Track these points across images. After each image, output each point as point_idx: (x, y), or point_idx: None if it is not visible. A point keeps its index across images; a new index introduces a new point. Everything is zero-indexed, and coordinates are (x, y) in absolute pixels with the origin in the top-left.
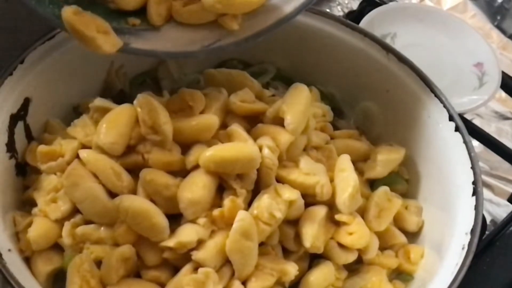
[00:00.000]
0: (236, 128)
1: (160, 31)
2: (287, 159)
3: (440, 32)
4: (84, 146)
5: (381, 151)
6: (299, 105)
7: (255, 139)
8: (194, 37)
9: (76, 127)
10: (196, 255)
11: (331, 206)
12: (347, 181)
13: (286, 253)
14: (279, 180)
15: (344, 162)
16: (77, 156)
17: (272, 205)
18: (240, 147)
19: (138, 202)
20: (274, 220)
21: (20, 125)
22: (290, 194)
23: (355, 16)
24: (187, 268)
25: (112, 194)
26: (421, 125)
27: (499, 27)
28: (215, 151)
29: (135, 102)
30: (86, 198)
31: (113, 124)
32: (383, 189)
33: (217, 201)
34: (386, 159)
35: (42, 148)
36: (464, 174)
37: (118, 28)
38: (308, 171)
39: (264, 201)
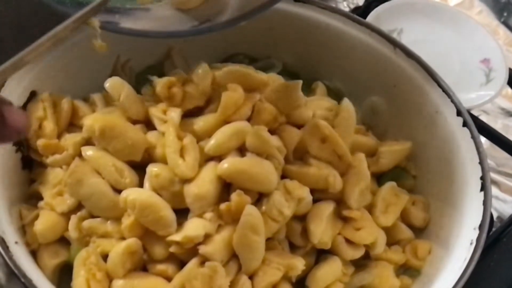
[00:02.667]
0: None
1: (150, 10)
2: (294, 157)
3: (447, 28)
4: (87, 141)
5: (384, 144)
6: None
7: None
8: (184, 17)
9: None
10: (203, 249)
11: (339, 201)
12: (357, 176)
13: (293, 248)
14: (289, 175)
15: (356, 158)
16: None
17: (281, 202)
18: (259, 168)
19: (146, 195)
20: (282, 217)
21: None
22: (300, 191)
23: (361, 12)
24: (194, 262)
25: (116, 192)
26: (428, 120)
27: (505, 24)
28: (233, 165)
29: None
30: (92, 194)
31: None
32: (390, 185)
33: (224, 195)
34: (388, 151)
35: (40, 141)
36: (472, 170)
37: (108, 7)
38: (317, 164)
39: (273, 197)
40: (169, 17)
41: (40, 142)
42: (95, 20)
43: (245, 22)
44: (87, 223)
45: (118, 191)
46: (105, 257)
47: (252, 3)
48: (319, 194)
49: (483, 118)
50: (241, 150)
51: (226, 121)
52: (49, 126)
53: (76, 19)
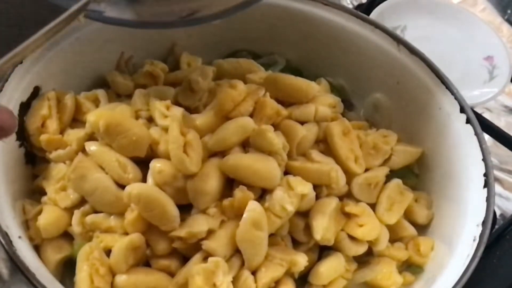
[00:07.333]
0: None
1: (138, 0)
2: (297, 153)
3: (451, 25)
4: (90, 137)
5: (399, 144)
6: None
7: None
8: (171, 8)
9: None
10: (206, 244)
11: (342, 198)
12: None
13: (296, 244)
14: (292, 170)
15: None
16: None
17: (284, 198)
18: (262, 164)
19: (150, 190)
20: (285, 213)
21: None
22: (303, 187)
23: (364, 9)
24: (197, 258)
25: (119, 187)
26: (432, 117)
27: (509, 21)
28: (236, 161)
29: None
30: (95, 189)
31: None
32: (395, 182)
33: (227, 191)
34: (402, 150)
35: (44, 137)
36: (475, 166)
37: None
38: (320, 160)
39: (276, 193)
40: (156, 8)
41: (43, 137)
42: None
43: (234, 15)
44: (90, 218)
45: (121, 186)
46: (108, 252)
47: None
48: (320, 191)
49: (486, 115)
50: (244, 146)
51: (227, 117)
52: (52, 125)
53: (69, 14)
